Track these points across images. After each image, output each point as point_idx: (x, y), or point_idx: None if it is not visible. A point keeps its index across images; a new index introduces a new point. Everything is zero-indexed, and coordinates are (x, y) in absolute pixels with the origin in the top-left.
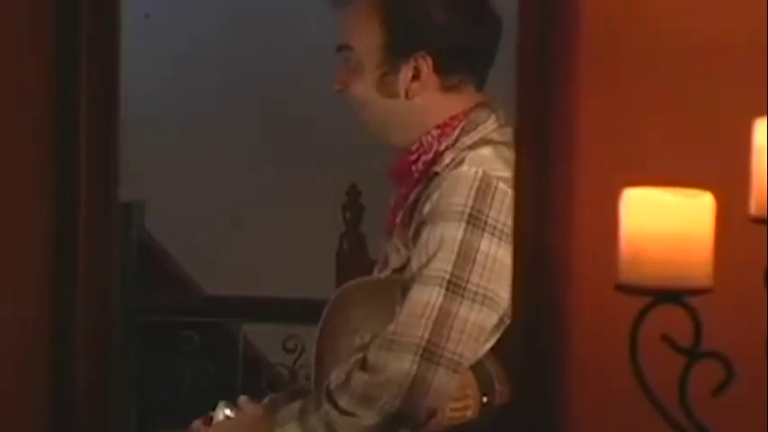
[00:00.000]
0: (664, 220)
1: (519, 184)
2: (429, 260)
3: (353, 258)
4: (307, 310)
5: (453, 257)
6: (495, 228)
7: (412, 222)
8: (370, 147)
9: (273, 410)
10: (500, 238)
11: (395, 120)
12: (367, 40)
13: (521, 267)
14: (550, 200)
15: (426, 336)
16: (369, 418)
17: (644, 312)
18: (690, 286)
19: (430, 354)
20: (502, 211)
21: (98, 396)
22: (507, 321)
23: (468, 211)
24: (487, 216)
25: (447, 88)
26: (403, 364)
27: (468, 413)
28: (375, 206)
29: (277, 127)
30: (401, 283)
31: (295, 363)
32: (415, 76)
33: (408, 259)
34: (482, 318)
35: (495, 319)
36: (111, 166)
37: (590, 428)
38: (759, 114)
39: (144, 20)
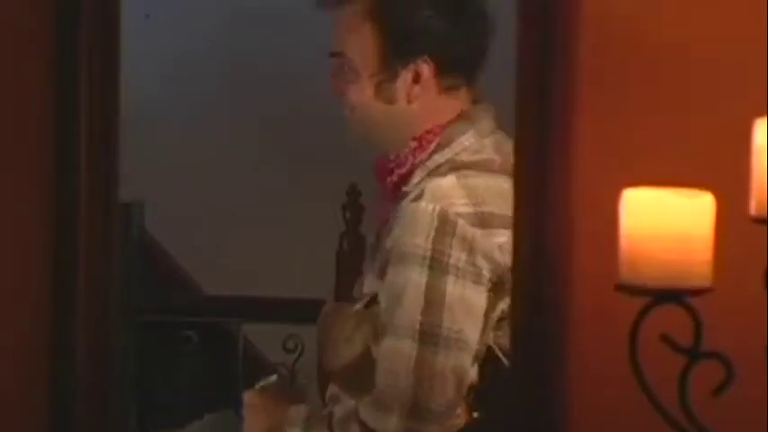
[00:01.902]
0: (664, 220)
1: (519, 184)
2: (397, 308)
3: (353, 258)
4: (307, 310)
5: (422, 305)
6: (458, 268)
7: (378, 253)
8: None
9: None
10: (464, 278)
11: (390, 125)
12: (362, 47)
13: (521, 267)
14: (550, 200)
15: (410, 393)
16: None
17: (644, 312)
18: (690, 286)
19: (418, 411)
20: (464, 249)
21: (98, 396)
22: (479, 360)
23: (429, 254)
24: (449, 256)
25: (446, 89)
26: (390, 426)
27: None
28: None
29: (277, 127)
30: (373, 318)
31: (295, 363)
32: (415, 80)
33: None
34: (460, 362)
35: (469, 360)
36: (111, 166)
37: (590, 428)
38: (759, 114)
39: (144, 20)
